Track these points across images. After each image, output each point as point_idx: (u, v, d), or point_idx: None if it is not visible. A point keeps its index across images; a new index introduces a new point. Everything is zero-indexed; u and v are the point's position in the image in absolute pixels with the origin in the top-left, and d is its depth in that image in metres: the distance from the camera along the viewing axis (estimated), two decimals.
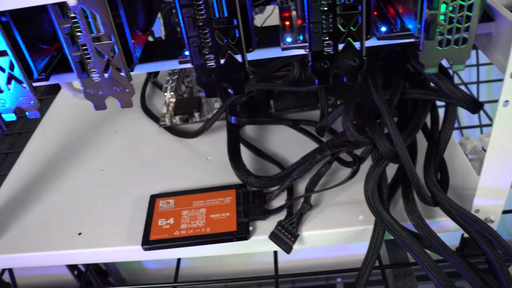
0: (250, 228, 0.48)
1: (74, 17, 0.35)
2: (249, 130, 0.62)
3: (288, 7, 0.45)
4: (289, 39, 0.42)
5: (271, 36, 0.42)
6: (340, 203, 0.51)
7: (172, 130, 0.63)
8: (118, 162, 0.61)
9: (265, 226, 0.49)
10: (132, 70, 0.39)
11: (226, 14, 0.35)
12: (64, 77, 0.41)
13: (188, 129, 0.63)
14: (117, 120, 0.68)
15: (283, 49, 0.41)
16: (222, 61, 0.37)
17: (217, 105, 0.65)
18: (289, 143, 0.59)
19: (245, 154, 0.58)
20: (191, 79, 0.71)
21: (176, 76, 0.69)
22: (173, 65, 0.41)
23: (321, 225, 0.49)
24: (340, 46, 0.37)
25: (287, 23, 0.45)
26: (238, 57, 0.37)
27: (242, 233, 0.48)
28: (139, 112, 0.69)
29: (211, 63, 0.37)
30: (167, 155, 0.60)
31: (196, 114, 0.63)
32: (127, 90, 0.39)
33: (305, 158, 0.51)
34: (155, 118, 0.66)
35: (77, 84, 0.61)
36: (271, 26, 0.45)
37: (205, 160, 0.58)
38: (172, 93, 0.66)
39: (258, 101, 0.63)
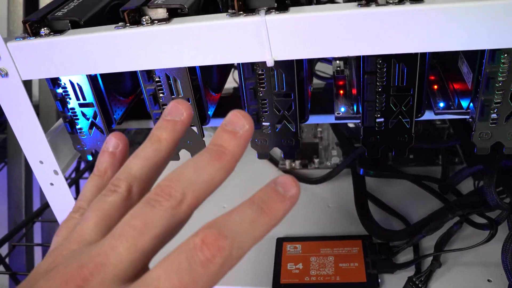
0: (379, 280, 0.49)
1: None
2: (369, 180, 0.63)
3: (343, 76, 0.47)
4: (342, 109, 0.44)
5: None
6: (467, 263, 0.51)
7: (291, 174, 0.65)
8: (239, 202, 0.63)
9: (392, 280, 0.50)
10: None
11: (285, 89, 0.38)
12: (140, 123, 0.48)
13: (307, 174, 0.65)
14: None
15: (337, 118, 0.44)
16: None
17: (334, 152, 0.67)
18: (409, 197, 0.60)
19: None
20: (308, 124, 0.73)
21: None
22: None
23: (450, 285, 0.49)
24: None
25: (341, 92, 0.47)
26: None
27: (372, 285, 0.49)
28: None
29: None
30: None
31: (316, 160, 0.65)
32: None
33: (435, 216, 0.52)
34: (274, 161, 0.68)
35: None
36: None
37: (326, 207, 0.60)
38: None
39: None
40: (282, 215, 0.23)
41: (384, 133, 0.40)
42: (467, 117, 0.41)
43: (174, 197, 0.22)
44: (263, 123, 0.41)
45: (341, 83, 0.48)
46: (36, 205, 0.88)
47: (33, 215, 0.74)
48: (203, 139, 0.42)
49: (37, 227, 0.83)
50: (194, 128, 0.42)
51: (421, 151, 0.63)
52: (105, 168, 0.29)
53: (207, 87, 0.42)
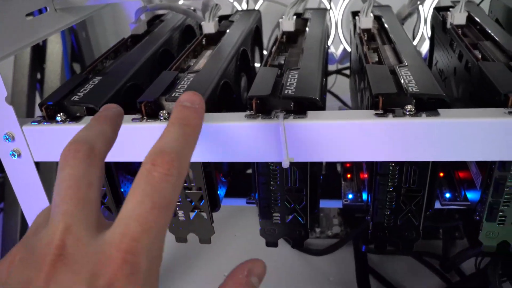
0: None
1: None
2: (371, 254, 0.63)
3: None
4: (350, 196, 0.45)
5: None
6: None
7: None
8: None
9: None
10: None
11: (297, 185, 0.39)
12: None
13: (307, 243, 0.65)
14: (236, 223, 0.71)
15: (345, 206, 0.45)
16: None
17: (335, 221, 0.67)
18: (411, 274, 0.60)
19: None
20: None
21: None
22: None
23: None
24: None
25: (349, 175, 0.48)
26: (301, 219, 0.41)
27: None
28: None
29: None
30: (287, 268, 0.62)
31: (317, 230, 0.66)
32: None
33: None
34: None
35: None
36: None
37: (327, 280, 0.60)
38: None
39: None
40: (200, 122, 0.26)
41: (392, 229, 0.40)
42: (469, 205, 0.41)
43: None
44: (273, 214, 0.41)
45: (348, 165, 0.49)
46: None
47: None
48: (212, 225, 0.43)
49: None
50: (204, 214, 0.42)
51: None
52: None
53: (218, 174, 0.43)
